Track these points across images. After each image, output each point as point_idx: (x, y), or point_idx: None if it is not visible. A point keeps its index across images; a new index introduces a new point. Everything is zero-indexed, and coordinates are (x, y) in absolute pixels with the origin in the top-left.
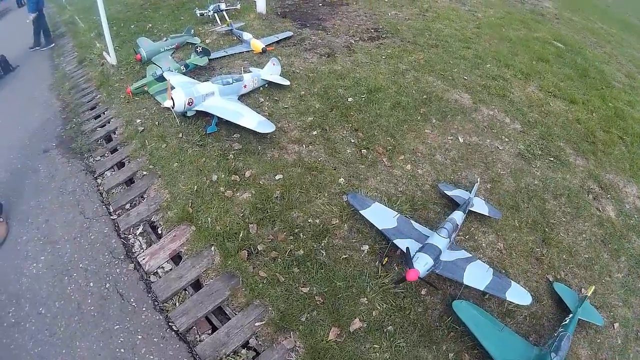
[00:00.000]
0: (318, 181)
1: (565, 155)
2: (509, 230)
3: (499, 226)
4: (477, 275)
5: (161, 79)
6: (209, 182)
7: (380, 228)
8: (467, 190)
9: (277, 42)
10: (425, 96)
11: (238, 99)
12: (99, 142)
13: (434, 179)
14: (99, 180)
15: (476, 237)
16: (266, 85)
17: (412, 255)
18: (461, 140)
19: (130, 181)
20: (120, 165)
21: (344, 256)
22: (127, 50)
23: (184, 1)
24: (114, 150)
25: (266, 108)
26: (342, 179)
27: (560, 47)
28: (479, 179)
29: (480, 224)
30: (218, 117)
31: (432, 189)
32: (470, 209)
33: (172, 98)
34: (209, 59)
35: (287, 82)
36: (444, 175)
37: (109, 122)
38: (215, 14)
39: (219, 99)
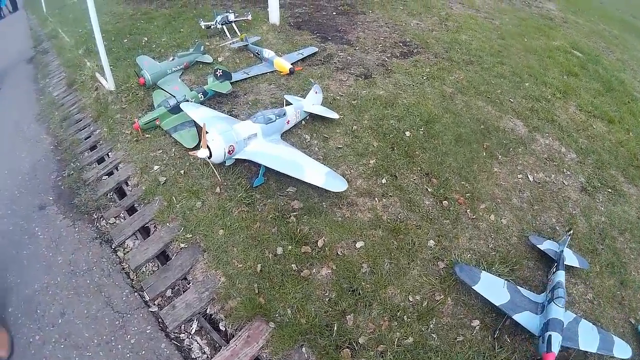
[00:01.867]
0: (406, 246)
1: (619, 184)
2: (594, 277)
3: (584, 274)
4: (588, 337)
5: (176, 109)
6: (273, 256)
7: (497, 305)
8: (555, 241)
9: (302, 59)
10: (482, 126)
11: (280, 137)
12: (108, 197)
13: (519, 229)
14: (119, 254)
15: (568, 290)
16: (307, 118)
17: (544, 337)
18: (530, 178)
19: (164, 256)
20: (145, 231)
21: (459, 338)
22: (123, 69)
23: (180, 11)
24: (131, 210)
25: (317, 149)
26: (431, 241)
27: (580, 57)
28: (571, 231)
29: (568, 275)
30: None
31: (520, 241)
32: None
33: (208, 147)
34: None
35: (335, 115)
36: (526, 222)
37: (117, 169)
38: (224, 27)
39: (263, 142)
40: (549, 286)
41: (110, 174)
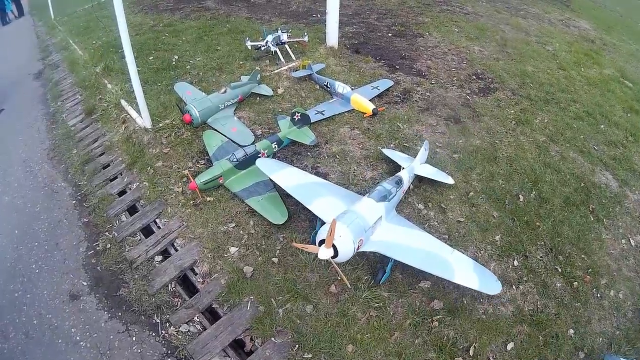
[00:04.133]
0: (551, 340)
1: None
2: None
3: None
4: None
5: (244, 164)
6: None
7: None
8: None
9: (378, 95)
10: (582, 183)
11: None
12: (170, 290)
13: (632, 302)
14: None
15: None
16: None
17: None
18: (632, 243)
19: None
20: (238, 345)
21: None
22: (154, 97)
23: (210, 24)
24: (212, 314)
25: (436, 223)
26: (570, 330)
27: (631, 87)
28: None
29: None
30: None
31: (635, 316)
32: None
33: (333, 245)
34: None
35: (450, 180)
36: (637, 294)
37: (175, 246)
38: (277, 49)
39: (387, 226)
40: None
41: (164, 252)
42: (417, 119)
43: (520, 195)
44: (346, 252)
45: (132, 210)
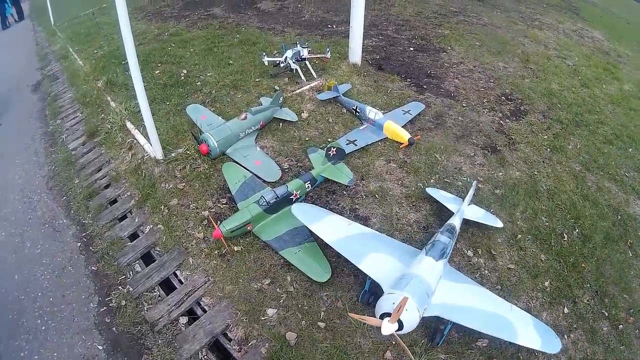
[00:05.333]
0: None
1: None
2: None
3: None
4: None
5: (275, 207)
6: None
7: None
8: None
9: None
10: (619, 216)
11: None
12: (203, 358)
13: None
14: None
15: None
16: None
17: None
18: None
19: None
20: None
21: None
22: (163, 119)
23: (219, 34)
24: None
25: (487, 272)
26: None
27: None
28: None
29: None
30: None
31: None
32: None
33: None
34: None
35: (500, 223)
36: None
37: (202, 308)
38: (297, 65)
39: (446, 284)
40: None
41: (190, 312)
42: (453, 149)
43: (564, 234)
44: (412, 325)
45: (146, 258)
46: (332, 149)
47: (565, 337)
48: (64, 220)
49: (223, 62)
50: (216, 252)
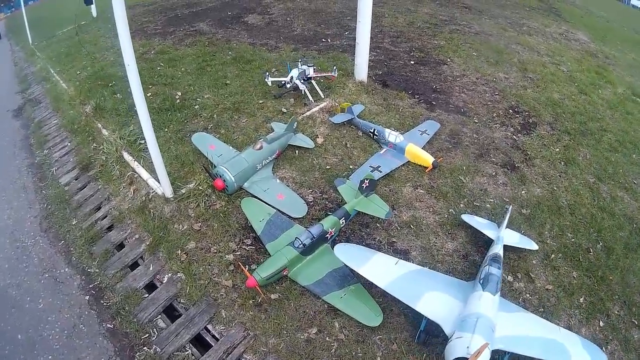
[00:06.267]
0: None
1: None
2: None
3: None
4: None
5: (310, 249)
6: None
7: None
8: None
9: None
10: (634, 225)
11: None
12: None
13: None
14: None
15: None
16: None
17: None
18: None
19: None
20: None
21: None
22: (164, 146)
23: (208, 50)
24: None
25: (528, 295)
26: None
27: None
28: None
29: None
30: None
31: None
32: None
33: None
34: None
35: (535, 246)
36: None
37: None
38: (305, 86)
39: (501, 316)
40: None
41: None
42: (475, 169)
43: (590, 249)
44: None
45: (170, 312)
46: (365, 181)
47: (604, 349)
48: (66, 269)
49: (219, 82)
50: (251, 301)
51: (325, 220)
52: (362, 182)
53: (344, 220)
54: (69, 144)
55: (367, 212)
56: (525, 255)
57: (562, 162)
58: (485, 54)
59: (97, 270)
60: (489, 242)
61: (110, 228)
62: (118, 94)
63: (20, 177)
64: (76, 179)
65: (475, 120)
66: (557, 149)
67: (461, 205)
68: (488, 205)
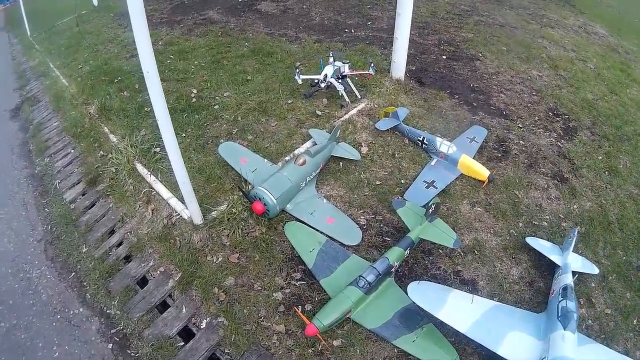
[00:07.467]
0: None
1: None
2: None
3: None
4: None
5: (375, 286)
6: None
7: None
8: None
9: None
10: None
11: None
12: None
13: None
14: None
15: None
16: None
17: None
18: None
19: None
20: None
21: None
22: (184, 157)
23: (222, 41)
24: None
25: (590, 322)
26: None
27: None
28: None
29: None
30: None
31: None
32: None
33: None
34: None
35: (595, 269)
36: None
37: None
38: (342, 86)
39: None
40: None
41: None
42: (527, 181)
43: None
44: None
45: None
46: (431, 206)
47: None
48: (80, 309)
49: (239, 78)
50: (311, 350)
51: (389, 252)
52: (428, 208)
53: (408, 251)
54: (72, 150)
55: (433, 240)
56: (584, 277)
57: (606, 172)
58: (515, 49)
59: (119, 312)
60: (551, 266)
61: (127, 258)
62: (125, 92)
63: (20, 190)
64: (83, 195)
65: (519, 125)
66: (600, 157)
67: (520, 224)
68: (545, 223)
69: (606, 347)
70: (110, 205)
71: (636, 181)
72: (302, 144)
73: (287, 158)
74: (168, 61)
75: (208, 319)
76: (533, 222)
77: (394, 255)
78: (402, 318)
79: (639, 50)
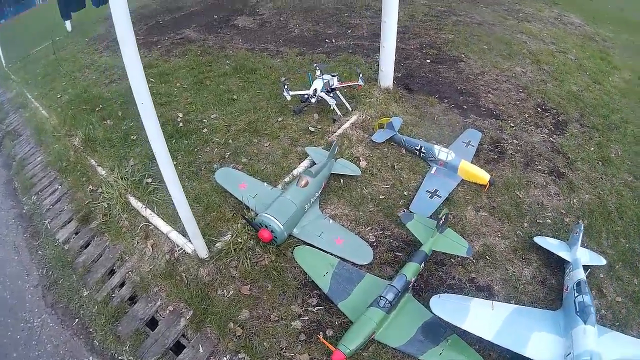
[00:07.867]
0: None
1: None
2: None
3: None
4: None
5: (395, 304)
6: None
7: None
8: None
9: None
10: None
11: None
12: None
13: None
14: None
15: None
16: None
17: None
18: None
19: None
20: None
21: None
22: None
23: (201, 60)
24: None
25: (603, 311)
26: None
27: None
28: None
29: None
30: None
31: None
32: None
33: None
34: None
35: (603, 260)
36: None
37: None
38: (334, 100)
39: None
40: None
41: None
42: (526, 181)
43: None
44: None
45: None
46: (442, 217)
47: None
48: (90, 358)
49: (224, 97)
50: None
51: (405, 268)
52: (439, 219)
53: (423, 265)
54: (60, 186)
55: (446, 251)
56: (593, 269)
57: (599, 163)
58: (496, 47)
59: (132, 357)
60: (560, 262)
61: (132, 299)
62: (108, 120)
63: (9, 232)
64: (76, 234)
65: (511, 124)
66: (592, 149)
67: (525, 224)
68: (549, 220)
69: (622, 334)
70: (107, 243)
71: (629, 169)
72: (300, 163)
73: (286, 179)
74: (149, 85)
75: (228, 356)
76: (537, 220)
77: (411, 270)
78: (426, 332)
79: (616, 36)
